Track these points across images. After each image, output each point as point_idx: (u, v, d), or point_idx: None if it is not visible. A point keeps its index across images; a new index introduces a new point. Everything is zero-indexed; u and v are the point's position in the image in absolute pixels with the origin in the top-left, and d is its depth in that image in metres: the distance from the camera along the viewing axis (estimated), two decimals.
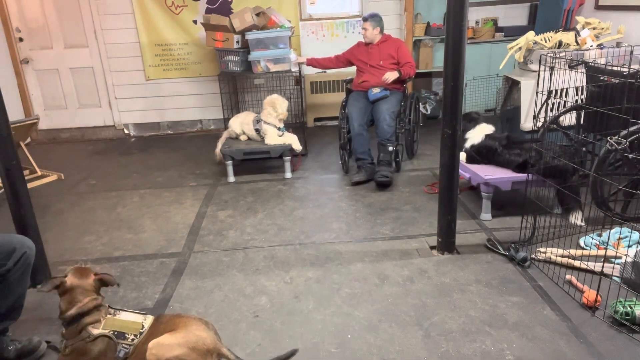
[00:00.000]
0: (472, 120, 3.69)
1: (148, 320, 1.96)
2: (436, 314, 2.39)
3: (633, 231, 2.88)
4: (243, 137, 4.47)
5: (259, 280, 2.78)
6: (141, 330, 1.92)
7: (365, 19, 4.33)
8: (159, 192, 4.22)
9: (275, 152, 4.27)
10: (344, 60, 4.60)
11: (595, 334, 2.19)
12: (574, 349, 2.12)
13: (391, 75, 4.14)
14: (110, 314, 1.93)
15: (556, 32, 4.25)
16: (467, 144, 3.56)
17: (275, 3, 5.50)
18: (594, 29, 4.20)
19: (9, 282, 2.11)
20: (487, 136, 3.49)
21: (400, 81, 4.29)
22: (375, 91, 4.16)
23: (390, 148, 4.04)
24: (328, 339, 2.26)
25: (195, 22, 5.57)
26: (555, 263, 2.73)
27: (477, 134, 3.54)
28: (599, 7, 4.85)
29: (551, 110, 3.77)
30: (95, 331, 1.87)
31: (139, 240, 3.35)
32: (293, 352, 2.06)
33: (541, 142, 3.22)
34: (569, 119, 3.73)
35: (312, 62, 4.69)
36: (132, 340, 1.89)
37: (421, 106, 4.36)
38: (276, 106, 4.31)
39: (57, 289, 1.90)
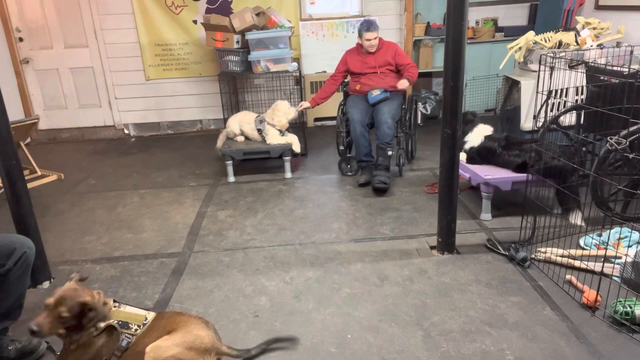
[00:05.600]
0: (469, 122, 3.66)
1: (151, 315, 1.98)
2: (436, 314, 2.40)
3: (633, 231, 2.87)
4: (240, 139, 4.43)
5: (259, 280, 2.78)
6: (144, 322, 1.93)
7: (369, 29, 4.04)
8: (159, 192, 4.22)
9: (275, 152, 4.27)
10: (341, 74, 4.35)
11: (595, 334, 2.20)
12: (574, 349, 2.12)
13: (405, 84, 4.03)
14: (115, 307, 1.95)
15: (556, 32, 4.25)
16: (467, 146, 3.55)
17: (275, 3, 5.51)
18: (594, 29, 4.21)
19: (9, 282, 2.12)
20: (486, 137, 3.49)
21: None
22: (376, 93, 4.09)
23: (390, 152, 3.98)
24: (328, 339, 2.26)
25: (195, 22, 5.57)
26: (555, 263, 2.73)
27: (475, 136, 3.54)
28: (599, 7, 4.85)
29: (551, 110, 3.77)
30: (101, 324, 1.88)
31: (139, 240, 3.35)
32: (293, 339, 2.23)
33: (541, 142, 3.21)
34: (569, 119, 3.73)
35: (316, 102, 4.38)
36: (135, 330, 1.90)
37: (421, 106, 4.32)
38: (279, 114, 4.30)
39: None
